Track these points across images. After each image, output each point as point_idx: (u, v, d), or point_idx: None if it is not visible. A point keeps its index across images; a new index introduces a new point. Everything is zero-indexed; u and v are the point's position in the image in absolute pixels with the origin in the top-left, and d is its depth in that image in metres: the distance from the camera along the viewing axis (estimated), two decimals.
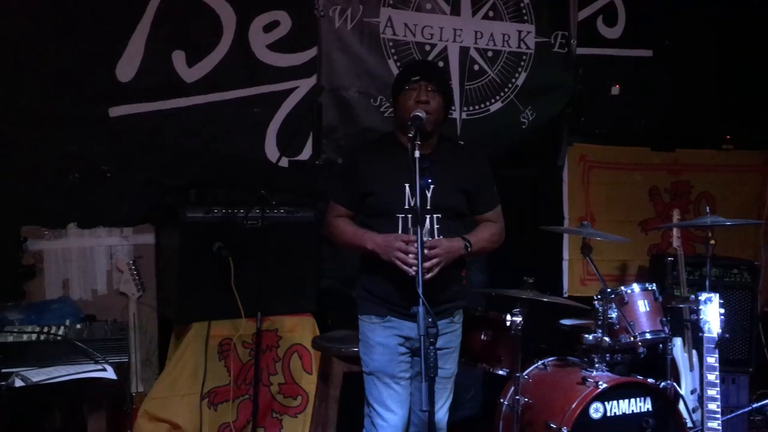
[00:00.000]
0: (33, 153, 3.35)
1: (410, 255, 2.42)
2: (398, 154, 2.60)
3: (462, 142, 4.05)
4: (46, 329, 2.87)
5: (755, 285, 4.33)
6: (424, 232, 2.46)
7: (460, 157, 2.71)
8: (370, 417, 2.66)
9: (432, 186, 2.54)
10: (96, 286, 3.49)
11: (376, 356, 2.63)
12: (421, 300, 2.19)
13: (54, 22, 3.33)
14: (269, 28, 3.70)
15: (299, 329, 3.55)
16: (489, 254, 4.19)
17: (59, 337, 2.84)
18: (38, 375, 2.59)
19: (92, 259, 3.48)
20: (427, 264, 2.41)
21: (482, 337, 3.32)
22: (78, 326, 2.97)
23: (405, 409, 2.64)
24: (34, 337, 2.82)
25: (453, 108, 4.09)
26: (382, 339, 2.62)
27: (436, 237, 2.58)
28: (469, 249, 2.61)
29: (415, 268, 2.38)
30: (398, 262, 2.45)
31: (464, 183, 2.65)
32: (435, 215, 2.57)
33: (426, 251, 2.41)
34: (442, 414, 2.73)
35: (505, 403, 3.34)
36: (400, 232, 2.55)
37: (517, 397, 3.12)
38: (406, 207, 2.55)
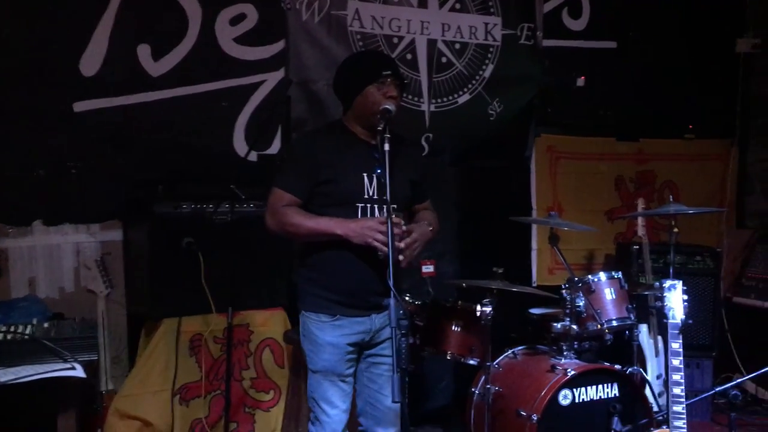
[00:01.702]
0: None
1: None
2: (353, 143, 2.61)
3: (429, 135, 4.12)
4: (12, 328, 2.82)
5: (718, 271, 4.43)
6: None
7: (403, 149, 2.67)
8: (314, 413, 2.66)
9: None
10: (63, 284, 3.45)
11: (326, 356, 2.60)
12: (392, 292, 2.20)
13: (15, 15, 3.26)
14: (236, 21, 3.67)
15: (271, 323, 3.55)
16: (458, 245, 4.31)
17: (26, 336, 2.79)
18: (5, 375, 2.55)
19: (59, 257, 3.43)
20: (406, 251, 2.46)
21: (453, 327, 3.35)
22: (45, 325, 2.93)
23: (348, 402, 2.66)
24: (0, 336, 2.78)
25: (421, 100, 4.13)
26: (331, 339, 2.59)
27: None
28: (432, 234, 2.64)
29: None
30: (378, 244, 2.42)
31: (410, 174, 2.68)
32: (392, 205, 2.57)
33: (402, 237, 2.45)
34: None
35: (477, 392, 3.38)
36: None
37: (488, 386, 3.16)
38: (366, 197, 2.56)
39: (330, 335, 2.59)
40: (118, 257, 3.55)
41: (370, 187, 2.56)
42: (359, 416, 2.75)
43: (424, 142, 4.11)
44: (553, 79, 4.46)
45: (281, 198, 2.58)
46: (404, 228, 2.48)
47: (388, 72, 2.58)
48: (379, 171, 2.45)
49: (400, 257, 2.46)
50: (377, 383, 2.66)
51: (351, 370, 2.65)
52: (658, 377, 3.93)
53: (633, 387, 3.35)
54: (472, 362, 3.30)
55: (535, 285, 4.39)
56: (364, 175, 2.56)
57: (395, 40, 4.03)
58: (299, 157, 2.66)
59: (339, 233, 2.48)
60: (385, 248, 2.39)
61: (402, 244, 2.46)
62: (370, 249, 2.45)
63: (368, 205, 2.56)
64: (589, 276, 3.55)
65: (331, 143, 2.61)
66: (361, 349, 2.66)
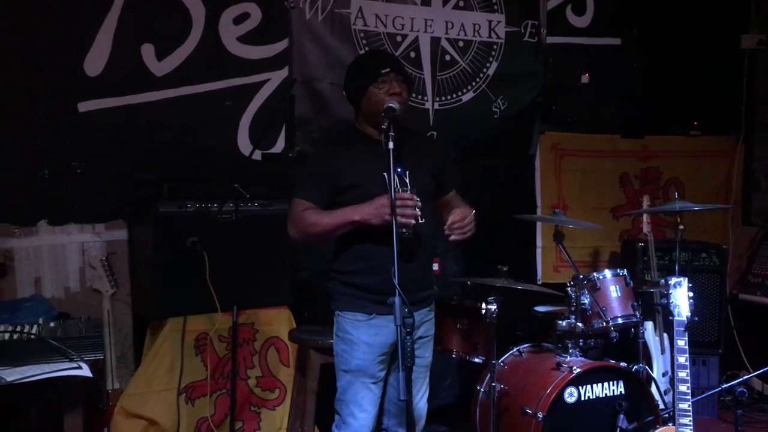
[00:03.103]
0: (0, 150, 3.29)
1: (409, 204, 2.42)
2: (368, 145, 2.61)
3: (434, 133, 4.12)
4: (18, 328, 2.84)
5: (724, 268, 4.42)
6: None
7: (421, 143, 2.76)
8: (341, 414, 2.65)
9: (408, 172, 2.56)
10: (69, 283, 3.45)
11: (360, 355, 2.60)
12: (397, 290, 2.20)
13: (20, 16, 3.27)
14: (239, 20, 3.67)
15: (276, 322, 3.56)
16: (463, 243, 4.29)
17: (32, 336, 2.80)
18: (12, 374, 2.55)
19: (64, 257, 3.44)
20: (465, 230, 2.57)
21: (458, 325, 3.35)
22: (51, 324, 2.94)
23: (376, 407, 2.65)
24: (6, 336, 2.78)
25: (425, 98, 4.12)
26: (367, 338, 2.59)
27: (419, 221, 2.60)
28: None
29: (411, 218, 2.42)
30: (398, 218, 2.39)
31: (431, 167, 2.69)
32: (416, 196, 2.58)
33: (459, 217, 2.53)
34: (423, 403, 2.75)
35: (482, 390, 3.38)
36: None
37: (493, 384, 3.16)
38: None
39: (365, 334, 2.59)
40: (124, 257, 3.56)
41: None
42: (383, 415, 2.74)
43: None
44: (557, 77, 4.46)
45: (299, 205, 2.62)
46: (419, 202, 2.47)
47: (387, 69, 2.58)
48: (399, 170, 2.46)
49: (452, 237, 2.53)
50: (395, 385, 2.62)
51: (382, 374, 2.64)
52: (664, 374, 3.92)
53: (639, 384, 3.34)
54: (477, 360, 3.30)
55: (540, 283, 4.39)
56: (385, 174, 2.54)
57: (399, 38, 4.03)
58: (314, 168, 2.69)
59: (357, 219, 2.50)
60: (405, 219, 2.40)
61: (419, 215, 2.48)
62: (401, 246, 2.38)
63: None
64: (594, 273, 3.54)
65: (348, 149, 2.64)
66: (394, 350, 2.63)
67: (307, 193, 2.62)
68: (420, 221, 2.52)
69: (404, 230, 2.42)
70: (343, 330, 2.65)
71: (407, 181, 2.55)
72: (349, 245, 2.62)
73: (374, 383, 2.62)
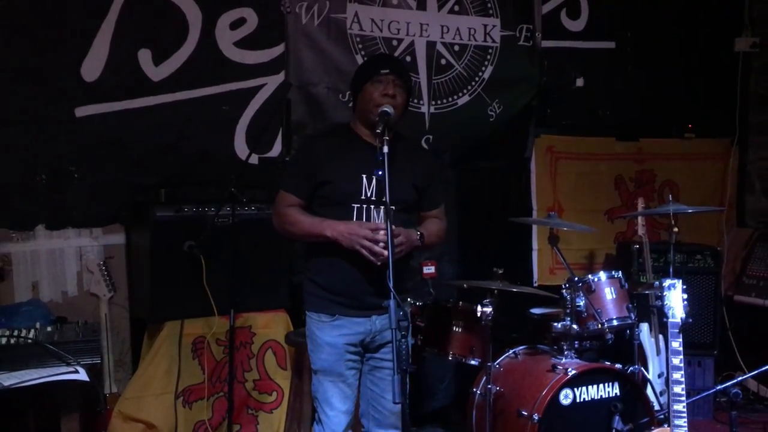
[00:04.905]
0: None
1: (380, 244, 2.41)
2: (356, 144, 2.63)
3: (429, 137, 4.14)
4: (16, 332, 2.85)
5: (718, 270, 4.44)
6: (378, 221, 2.52)
7: (412, 154, 2.73)
8: (317, 412, 2.70)
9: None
10: (66, 287, 3.46)
11: (324, 356, 2.63)
12: (392, 293, 2.21)
13: (17, 21, 3.28)
14: (236, 25, 3.69)
15: (273, 325, 3.57)
16: (459, 246, 4.32)
17: (30, 340, 2.81)
18: (9, 379, 2.57)
19: (62, 261, 3.45)
20: (385, 251, 2.39)
21: (454, 328, 3.37)
22: (49, 329, 2.95)
23: (349, 404, 2.66)
24: (4, 340, 2.80)
25: (421, 102, 4.14)
26: (330, 339, 2.61)
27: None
28: (422, 241, 2.62)
29: (380, 257, 2.42)
30: (364, 251, 2.44)
31: (414, 179, 2.68)
32: (391, 207, 2.57)
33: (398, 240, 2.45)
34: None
35: (478, 392, 3.39)
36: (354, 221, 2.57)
37: (489, 386, 3.17)
38: (362, 197, 2.57)
39: (328, 335, 2.62)
40: (121, 261, 3.57)
41: (368, 189, 2.57)
42: (361, 417, 2.76)
43: (423, 144, 4.13)
44: (552, 80, 4.48)
45: (283, 199, 2.66)
46: (381, 233, 2.45)
47: (387, 70, 2.60)
48: (380, 173, 2.45)
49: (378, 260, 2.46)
50: (379, 386, 2.68)
51: (352, 372, 2.66)
52: (659, 376, 3.94)
53: (634, 386, 3.36)
54: (473, 362, 3.31)
55: (536, 285, 4.40)
56: (363, 176, 2.57)
57: (394, 43, 4.05)
58: (300, 159, 2.74)
59: (328, 235, 2.51)
60: (370, 256, 2.43)
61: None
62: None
63: (364, 206, 2.58)
64: (590, 275, 3.56)
65: (333, 145, 2.66)
66: (363, 350, 2.67)
67: (291, 185, 2.67)
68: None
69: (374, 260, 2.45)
70: (309, 330, 2.69)
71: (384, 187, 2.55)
72: (319, 245, 2.62)
73: (343, 382, 2.64)
